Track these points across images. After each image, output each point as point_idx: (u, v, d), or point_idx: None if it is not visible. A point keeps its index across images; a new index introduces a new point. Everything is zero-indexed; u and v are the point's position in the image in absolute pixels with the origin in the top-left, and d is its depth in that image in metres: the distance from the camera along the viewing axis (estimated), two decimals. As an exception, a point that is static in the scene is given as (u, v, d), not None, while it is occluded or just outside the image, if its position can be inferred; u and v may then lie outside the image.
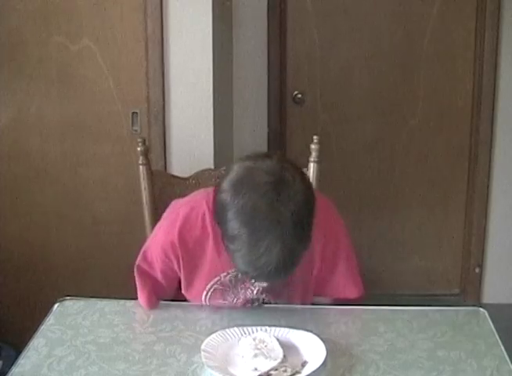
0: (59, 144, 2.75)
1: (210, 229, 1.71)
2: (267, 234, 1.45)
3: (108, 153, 2.75)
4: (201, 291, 1.77)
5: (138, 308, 1.77)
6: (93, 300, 1.79)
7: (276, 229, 1.45)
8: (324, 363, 1.47)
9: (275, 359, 1.48)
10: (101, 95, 2.70)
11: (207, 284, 1.76)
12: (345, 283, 1.83)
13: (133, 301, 1.79)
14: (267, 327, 1.60)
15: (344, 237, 1.83)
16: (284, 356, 1.50)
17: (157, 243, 1.81)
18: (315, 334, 1.57)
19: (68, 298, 1.80)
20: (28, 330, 1.67)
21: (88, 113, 2.72)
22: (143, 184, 2.19)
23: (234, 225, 1.47)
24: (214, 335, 1.57)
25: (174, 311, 1.77)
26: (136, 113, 2.70)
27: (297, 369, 1.47)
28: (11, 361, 1.56)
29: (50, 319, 1.70)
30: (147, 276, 1.81)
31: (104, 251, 2.82)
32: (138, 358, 1.53)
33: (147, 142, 2.37)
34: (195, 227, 1.73)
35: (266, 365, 1.46)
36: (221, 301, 1.77)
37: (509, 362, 1.50)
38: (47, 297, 1.82)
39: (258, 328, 1.60)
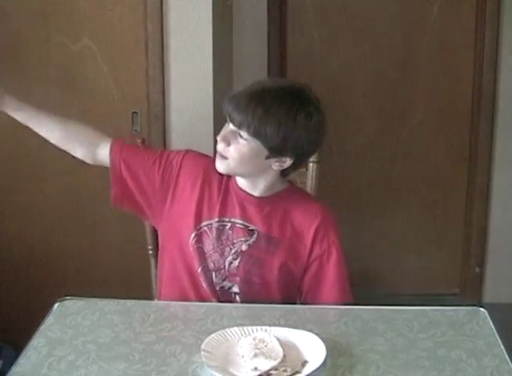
0: (59, 144, 2.75)
1: (224, 178, 1.86)
2: (262, 87, 1.73)
3: (108, 153, 2.74)
4: (193, 227, 1.84)
5: (138, 308, 1.77)
6: (93, 300, 1.79)
7: (273, 91, 1.72)
8: (324, 363, 1.47)
9: (275, 359, 1.48)
10: (101, 95, 2.69)
11: (201, 222, 1.85)
12: (331, 290, 1.85)
13: (133, 301, 1.79)
14: (267, 327, 1.60)
15: (338, 243, 1.85)
16: (284, 355, 1.50)
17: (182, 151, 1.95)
18: (315, 334, 1.57)
19: (68, 297, 1.80)
20: (28, 330, 1.66)
21: (88, 113, 2.71)
22: (143, 184, 2.19)
23: None
24: (214, 335, 1.57)
25: (174, 311, 1.77)
26: (136, 113, 2.70)
27: (297, 369, 1.47)
28: (11, 361, 1.56)
29: (50, 319, 1.70)
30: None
31: (104, 251, 2.82)
32: (138, 358, 1.53)
33: (147, 143, 2.37)
34: (216, 171, 1.84)
35: (266, 365, 1.46)
36: (201, 245, 1.84)
37: (509, 362, 1.50)
38: (47, 297, 1.82)
39: (258, 328, 1.60)
